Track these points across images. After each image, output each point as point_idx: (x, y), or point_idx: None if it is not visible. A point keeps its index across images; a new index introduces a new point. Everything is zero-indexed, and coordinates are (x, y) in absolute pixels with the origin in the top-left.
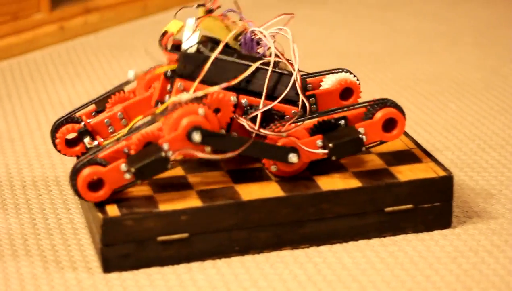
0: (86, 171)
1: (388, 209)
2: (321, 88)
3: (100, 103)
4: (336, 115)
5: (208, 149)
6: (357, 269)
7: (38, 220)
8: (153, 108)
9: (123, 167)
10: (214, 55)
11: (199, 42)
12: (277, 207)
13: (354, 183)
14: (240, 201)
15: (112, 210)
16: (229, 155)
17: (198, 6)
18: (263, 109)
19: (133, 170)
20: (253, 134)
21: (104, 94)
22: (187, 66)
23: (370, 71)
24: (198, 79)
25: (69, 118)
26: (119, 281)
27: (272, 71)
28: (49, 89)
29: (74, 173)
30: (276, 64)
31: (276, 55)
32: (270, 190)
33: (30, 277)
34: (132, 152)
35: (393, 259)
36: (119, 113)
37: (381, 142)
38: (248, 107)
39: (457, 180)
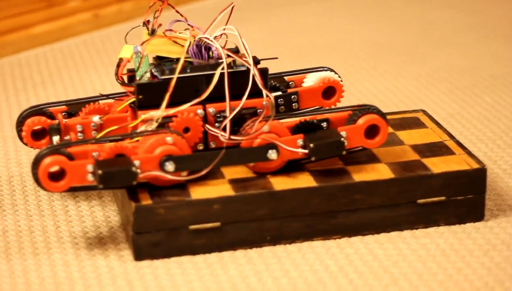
0: (49, 159)
1: (420, 201)
2: (303, 85)
3: (73, 107)
4: (319, 117)
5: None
6: (388, 260)
7: (71, 207)
8: (128, 125)
9: (90, 167)
10: (175, 77)
11: (151, 67)
12: (309, 197)
13: (387, 174)
14: (272, 190)
15: (145, 198)
16: (202, 172)
17: (144, 24)
18: (231, 117)
19: (99, 172)
20: (211, 146)
21: (79, 99)
22: (145, 96)
23: (403, 63)
24: (164, 102)
25: (36, 111)
26: (150, 269)
27: (229, 72)
28: (83, 76)
29: (37, 160)
30: (232, 63)
31: (228, 55)
32: (303, 179)
33: (61, 264)
34: (102, 157)
35: (425, 251)
36: (93, 124)
37: (363, 149)
38: (218, 115)
39: (490, 173)
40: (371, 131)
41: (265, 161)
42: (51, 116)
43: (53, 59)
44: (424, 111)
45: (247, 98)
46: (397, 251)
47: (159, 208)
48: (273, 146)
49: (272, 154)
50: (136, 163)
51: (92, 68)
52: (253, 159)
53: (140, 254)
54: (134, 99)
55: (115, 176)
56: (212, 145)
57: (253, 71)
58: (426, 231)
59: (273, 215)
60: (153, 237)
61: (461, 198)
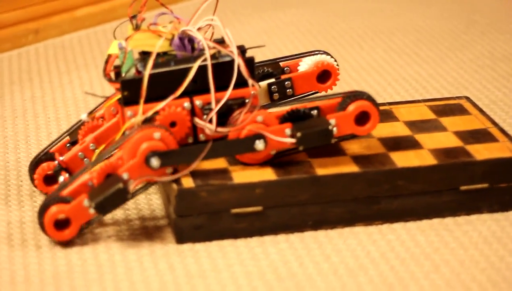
0: (52, 210)
1: (463, 188)
2: (298, 70)
3: (73, 134)
4: (309, 105)
5: (169, 169)
6: (430, 247)
7: None
8: (115, 137)
9: (86, 202)
10: (147, 73)
11: (136, 62)
12: (351, 182)
13: (430, 160)
14: (315, 175)
15: (187, 181)
16: (190, 167)
17: (132, 17)
18: (216, 109)
19: (93, 205)
20: (201, 139)
21: (75, 125)
22: (130, 92)
23: (447, 49)
24: (141, 101)
25: (46, 155)
26: (192, 252)
27: (213, 64)
28: None
29: (41, 212)
30: (217, 54)
31: (213, 46)
32: (345, 165)
33: (103, 245)
34: (95, 184)
35: (467, 238)
36: (91, 145)
37: (354, 136)
38: (205, 107)
39: None
40: (362, 118)
41: (252, 151)
42: (53, 158)
43: (96, 42)
44: (467, 98)
45: (234, 89)
46: (438, 238)
47: (202, 191)
48: (260, 136)
49: (259, 144)
50: (125, 175)
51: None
52: (240, 150)
53: (182, 237)
54: (120, 96)
55: (109, 201)
56: (202, 138)
57: (238, 61)
58: (468, 218)
59: (315, 200)
60: (195, 220)
61: (504, 185)
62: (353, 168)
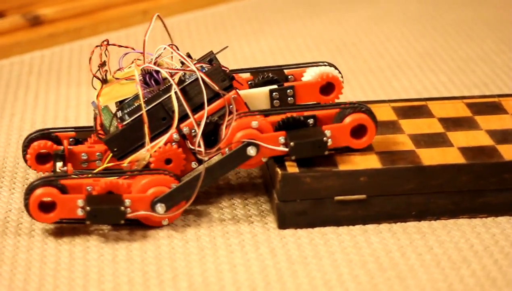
0: (40, 191)
1: None
2: (302, 80)
3: (82, 134)
4: (306, 113)
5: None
6: None
7: None
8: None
9: (80, 202)
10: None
11: (116, 113)
12: (457, 174)
13: None
14: (421, 165)
15: (292, 166)
16: (187, 204)
17: (101, 66)
18: (200, 133)
19: (88, 208)
20: (205, 161)
21: (90, 127)
22: (118, 148)
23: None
24: (147, 137)
25: (42, 134)
26: (294, 238)
27: (182, 88)
28: (233, 45)
29: (29, 190)
30: (182, 77)
31: (172, 74)
32: (452, 156)
33: (206, 227)
34: (94, 193)
35: None
36: (98, 153)
37: (349, 148)
38: (193, 131)
39: None
40: (359, 131)
41: (247, 160)
42: (58, 141)
43: (204, 25)
44: None
45: (213, 102)
46: None
47: (306, 177)
48: (252, 143)
49: (250, 151)
50: (127, 201)
51: (243, 36)
52: (236, 164)
53: (284, 222)
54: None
55: (104, 214)
56: (205, 158)
57: (199, 75)
58: None
59: (419, 190)
60: (298, 206)
61: None
62: (459, 159)
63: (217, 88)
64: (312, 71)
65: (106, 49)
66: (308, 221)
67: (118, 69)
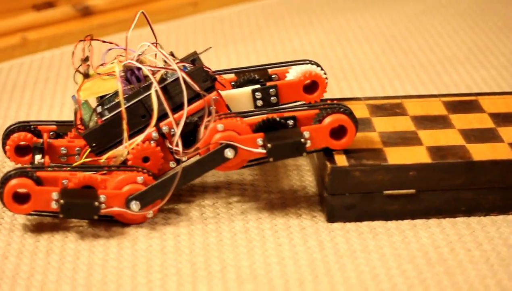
0: (15, 181)
1: None
2: (286, 79)
3: (62, 128)
4: (286, 114)
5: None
6: None
7: (269, 167)
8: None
9: (54, 195)
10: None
11: (95, 108)
12: (507, 169)
13: None
14: (471, 160)
15: (341, 160)
16: (162, 203)
17: (84, 60)
18: (179, 133)
19: (62, 202)
20: (183, 161)
21: (71, 122)
22: (97, 143)
23: None
24: (126, 133)
25: (23, 127)
26: (342, 232)
27: (163, 87)
28: (283, 36)
29: (4, 180)
30: (164, 75)
31: (154, 72)
32: (502, 151)
33: (254, 219)
34: (70, 186)
35: None
36: (77, 148)
37: (329, 149)
38: (172, 131)
39: None
40: (340, 132)
41: (224, 162)
42: (39, 134)
43: (254, 17)
44: None
45: (193, 102)
46: None
47: (355, 170)
48: (229, 145)
49: (228, 152)
50: (102, 197)
51: (292, 28)
52: (213, 165)
53: (333, 216)
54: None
55: (77, 208)
56: (183, 159)
57: (181, 75)
58: None
59: (469, 185)
60: (347, 200)
61: None
62: (510, 155)
63: (197, 88)
64: (295, 70)
65: (90, 44)
66: (357, 215)
67: (101, 65)
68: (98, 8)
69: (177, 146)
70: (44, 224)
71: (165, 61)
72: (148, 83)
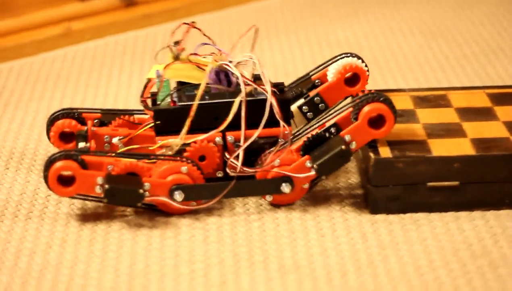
0: (60, 163)
1: None
2: (329, 79)
3: (107, 116)
4: (327, 124)
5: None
6: None
7: None
8: (148, 147)
9: (99, 180)
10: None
11: (173, 92)
12: None
13: None
14: None
15: (384, 151)
16: (209, 203)
17: (176, 43)
18: (244, 147)
19: (107, 187)
20: (232, 176)
21: (116, 110)
22: (163, 122)
23: None
24: (185, 129)
25: (67, 113)
26: (385, 224)
27: (248, 101)
28: (327, 27)
29: (50, 162)
30: (253, 91)
31: (247, 83)
32: None
33: (298, 210)
34: (114, 173)
35: None
36: (120, 137)
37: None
38: (237, 143)
39: None
40: (379, 119)
41: (278, 193)
42: (83, 121)
43: (298, 8)
44: None
45: (267, 128)
46: None
47: (399, 162)
48: (287, 179)
49: (285, 188)
50: (146, 185)
51: (337, 19)
52: (265, 191)
53: (376, 208)
54: (152, 124)
55: (122, 194)
56: (232, 173)
57: (270, 100)
58: None
59: None
60: (390, 191)
61: None
62: None
63: (281, 119)
64: (333, 68)
65: (190, 30)
66: (400, 207)
67: (193, 54)
68: None
69: (235, 158)
70: (88, 214)
71: (256, 78)
72: (235, 90)
